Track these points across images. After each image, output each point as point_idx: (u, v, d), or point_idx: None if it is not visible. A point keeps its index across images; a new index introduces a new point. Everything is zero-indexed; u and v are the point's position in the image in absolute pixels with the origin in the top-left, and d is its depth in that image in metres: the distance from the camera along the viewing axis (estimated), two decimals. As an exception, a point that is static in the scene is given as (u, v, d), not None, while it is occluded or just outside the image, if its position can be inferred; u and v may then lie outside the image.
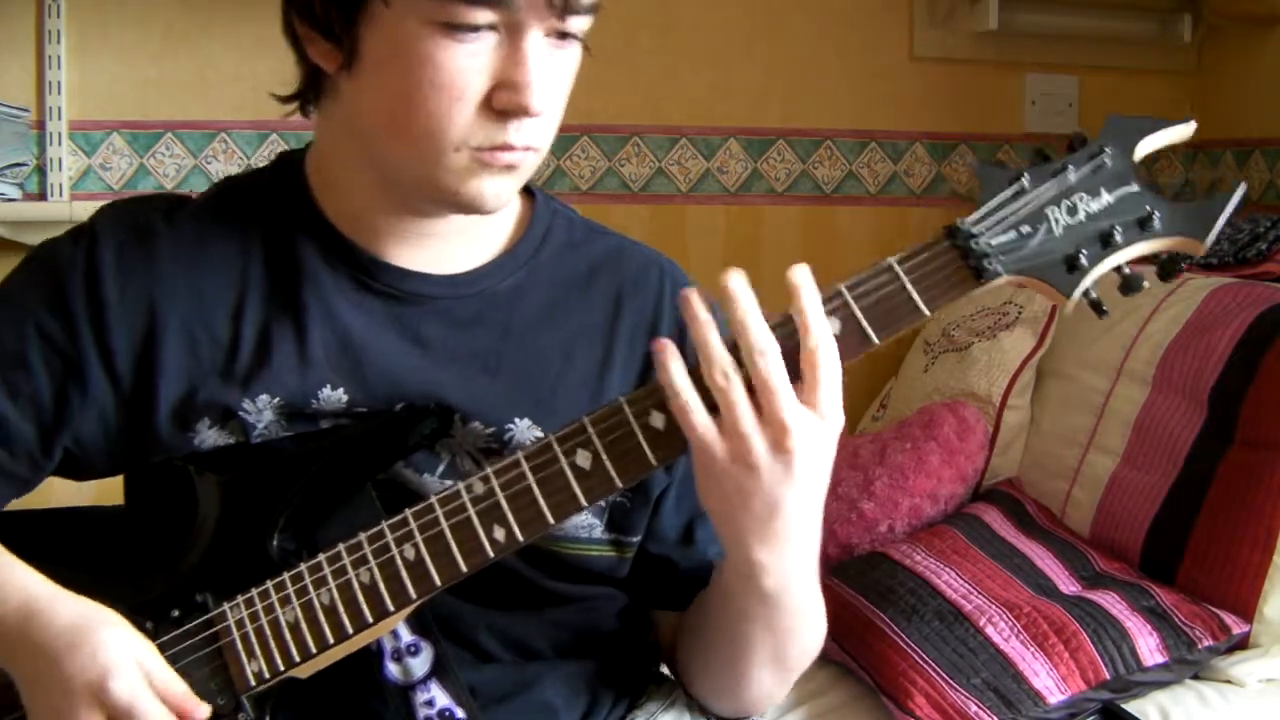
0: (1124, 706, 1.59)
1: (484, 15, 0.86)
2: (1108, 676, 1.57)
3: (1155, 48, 2.62)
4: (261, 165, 1.09)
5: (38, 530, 1.05)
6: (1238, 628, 1.65)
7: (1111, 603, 1.67)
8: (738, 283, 0.82)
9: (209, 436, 0.98)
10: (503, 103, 0.89)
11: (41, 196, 2.13)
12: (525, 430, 1.00)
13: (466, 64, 0.88)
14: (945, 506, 2.11)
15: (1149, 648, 1.60)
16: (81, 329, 0.98)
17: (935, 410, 2.16)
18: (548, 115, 0.93)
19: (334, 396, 0.98)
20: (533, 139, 0.92)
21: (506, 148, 0.91)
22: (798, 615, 0.96)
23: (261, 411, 0.97)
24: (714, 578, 1.03)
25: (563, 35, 0.91)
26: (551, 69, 0.91)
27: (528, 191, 1.07)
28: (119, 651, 0.86)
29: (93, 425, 0.99)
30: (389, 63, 0.90)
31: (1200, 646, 1.63)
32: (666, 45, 2.41)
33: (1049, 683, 1.55)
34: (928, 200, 2.59)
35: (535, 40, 0.89)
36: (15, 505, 1.04)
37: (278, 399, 0.97)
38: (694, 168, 2.49)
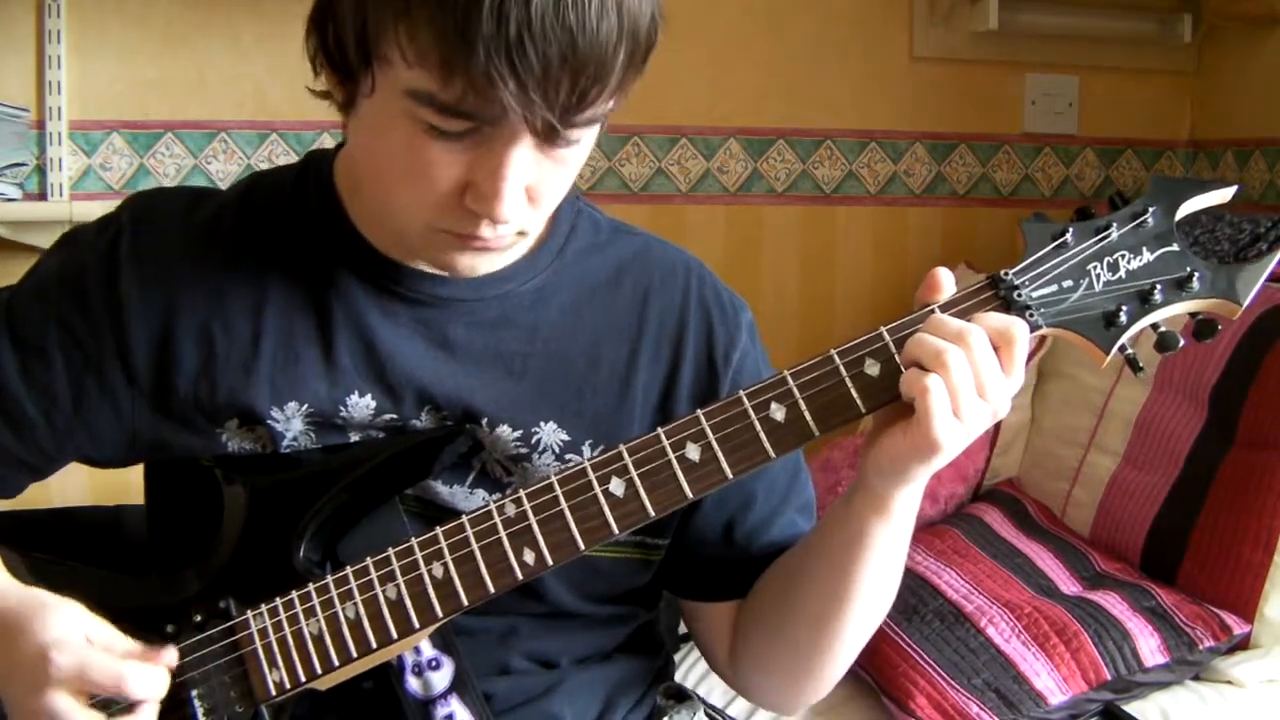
0: (1125, 708, 1.59)
1: (460, 124, 0.82)
2: (1109, 677, 1.57)
3: (1155, 48, 2.62)
4: (290, 163, 1.07)
5: (62, 528, 1.04)
6: (1239, 628, 1.65)
7: (1112, 603, 1.67)
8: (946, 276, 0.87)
9: (235, 437, 0.97)
10: (471, 204, 0.86)
11: (41, 196, 2.12)
12: (552, 434, 0.99)
13: (440, 159, 0.84)
14: (945, 506, 2.11)
15: (1150, 648, 1.60)
16: (101, 324, 0.98)
17: (935, 410, 2.15)
18: (538, 206, 0.89)
19: (361, 404, 0.97)
20: (511, 229, 0.89)
21: (477, 238, 0.88)
22: (894, 567, 1.00)
23: (290, 420, 0.96)
24: (799, 546, 1.02)
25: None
26: (541, 175, 0.87)
27: None
28: (60, 628, 0.84)
29: (109, 418, 0.99)
30: (375, 133, 0.88)
31: (1201, 647, 1.62)
32: (666, 45, 2.40)
33: (1050, 683, 1.55)
34: (928, 200, 2.59)
35: (521, 154, 0.84)
36: (38, 504, 1.03)
37: (306, 406, 0.96)
38: (694, 168, 2.48)
